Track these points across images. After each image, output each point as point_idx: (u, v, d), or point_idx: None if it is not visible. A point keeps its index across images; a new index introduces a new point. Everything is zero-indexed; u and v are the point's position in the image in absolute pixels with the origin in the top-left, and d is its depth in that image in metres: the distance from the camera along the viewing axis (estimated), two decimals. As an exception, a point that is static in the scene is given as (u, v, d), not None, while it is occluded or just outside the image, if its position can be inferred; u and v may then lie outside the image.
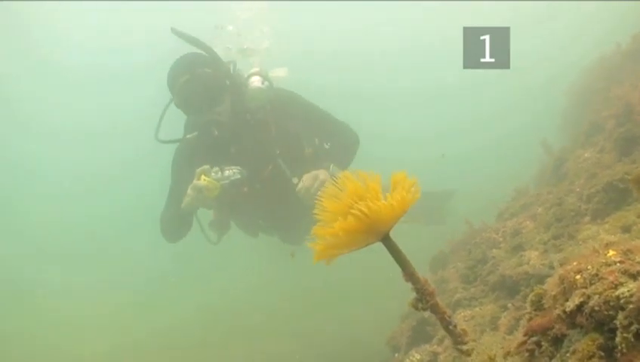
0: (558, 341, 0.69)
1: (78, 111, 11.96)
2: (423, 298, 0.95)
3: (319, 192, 2.68)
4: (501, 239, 2.05)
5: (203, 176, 2.87)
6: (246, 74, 3.14)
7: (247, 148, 3.14)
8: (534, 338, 0.72)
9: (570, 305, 0.65)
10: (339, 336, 3.77)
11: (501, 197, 2.89)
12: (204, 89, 2.93)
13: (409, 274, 0.96)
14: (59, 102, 11.73)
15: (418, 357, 1.96)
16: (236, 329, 4.71)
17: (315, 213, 0.99)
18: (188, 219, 3.15)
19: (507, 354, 0.75)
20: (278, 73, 3.67)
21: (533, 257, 1.75)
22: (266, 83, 3.05)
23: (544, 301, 0.75)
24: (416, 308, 0.97)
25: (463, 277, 2.07)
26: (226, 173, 2.97)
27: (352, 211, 0.96)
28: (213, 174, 2.91)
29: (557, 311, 0.68)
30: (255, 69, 3.11)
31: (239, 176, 3.01)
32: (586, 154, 2.38)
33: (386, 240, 0.96)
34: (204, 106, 2.96)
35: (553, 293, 0.70)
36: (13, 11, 8.54)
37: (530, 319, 0.77)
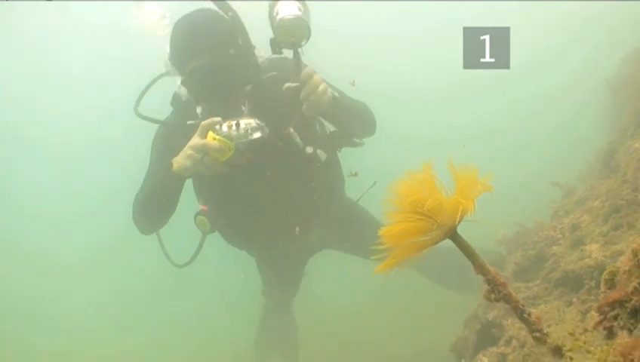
0: (636, 313, 0.72)
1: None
2: (495, 288, 0.99)
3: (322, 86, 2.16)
4: (560, 236, 2.05)
5: (211, 134, 2.15)
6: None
7: (263, 100, 2.40)
8: (612, 313, 0.76)
9: (647, 275, 0.68)
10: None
11: (546, 196, 2.86)
12: (227, 79, 2.29)
13: (479, 266, 1.01)
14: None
15: (486, 361, 1.96)
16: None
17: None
18: (174, 195, 2.38)
19: (585, 331, 0.78)
20: None
21: (594, 250, 1.75)
22: (304, 10, 2.10)
23: (617, 278, 0.78)
24: (489, 300, 1.01)
25: (524, 275, 2.07)
26: (242, 126, 2.17)
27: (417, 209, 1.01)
28: (225, 129, 2.16)
29: (633, 284, 0.71)
30: None
31: (259, 135, 2.20)
32: (636, 145, 2.36)
33: (454, 236, 1.01)
34: (222, 98, 2.34)
35: (627, 268, 0.74)
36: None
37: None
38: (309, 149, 2.44)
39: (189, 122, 2.36)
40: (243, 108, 2.37)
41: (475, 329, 2.15)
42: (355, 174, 2.60)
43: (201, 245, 2.63)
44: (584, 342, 0.74)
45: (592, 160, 3.23)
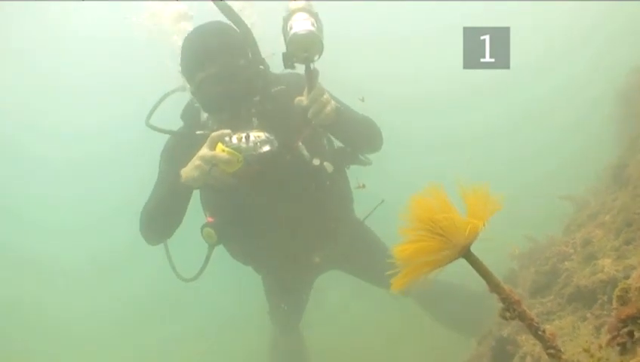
0: (649, 329, 0.74)
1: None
2: (510, 307, 1.01)
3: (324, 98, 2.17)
4: (572, 251, 2.06)
5: (220, 146, 2.15)
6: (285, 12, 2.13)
7: (272, 113, 2.44)
8: (626, 329, 0.77)
9: (658, 292, 0.70)
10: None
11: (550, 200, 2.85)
12: (236, 89, 2.33)
13: (494, 285, 1.02)
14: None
15: (501, 377, 1.96)
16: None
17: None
18: (181, 205, 2.41)
19: (600, 348, 0.80)
20: None
21: (607, 264, 1.76)
22: (317, 26, 2.08)
23: (630, 294, 0.80)
24: (505, 318, 1.02)
25: (538, 292, 2.07)
26: (252, 139, 2.18)
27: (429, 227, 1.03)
28: (234, 141, 2.16)
29: (645, 300, 0.73)
30: (298, 3, 2.09)
31: (269, 148, 2.22)
32: (646, 158, 2.37)
33: (468, 255, 1.03)
34: (231, 109, 2.37)
35: (639, 285, 0.75)
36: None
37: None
38: (316, 161, 2.47)
39: (198, 132, 2.38)
40: (253, 120, 2.40)
41: (490, 346, 2.14)
42: (363, 186, 2.62)
43: (207, 258, 2.61)
44: (599, 359, 0.75)
45: (601, 172, 3.23)
